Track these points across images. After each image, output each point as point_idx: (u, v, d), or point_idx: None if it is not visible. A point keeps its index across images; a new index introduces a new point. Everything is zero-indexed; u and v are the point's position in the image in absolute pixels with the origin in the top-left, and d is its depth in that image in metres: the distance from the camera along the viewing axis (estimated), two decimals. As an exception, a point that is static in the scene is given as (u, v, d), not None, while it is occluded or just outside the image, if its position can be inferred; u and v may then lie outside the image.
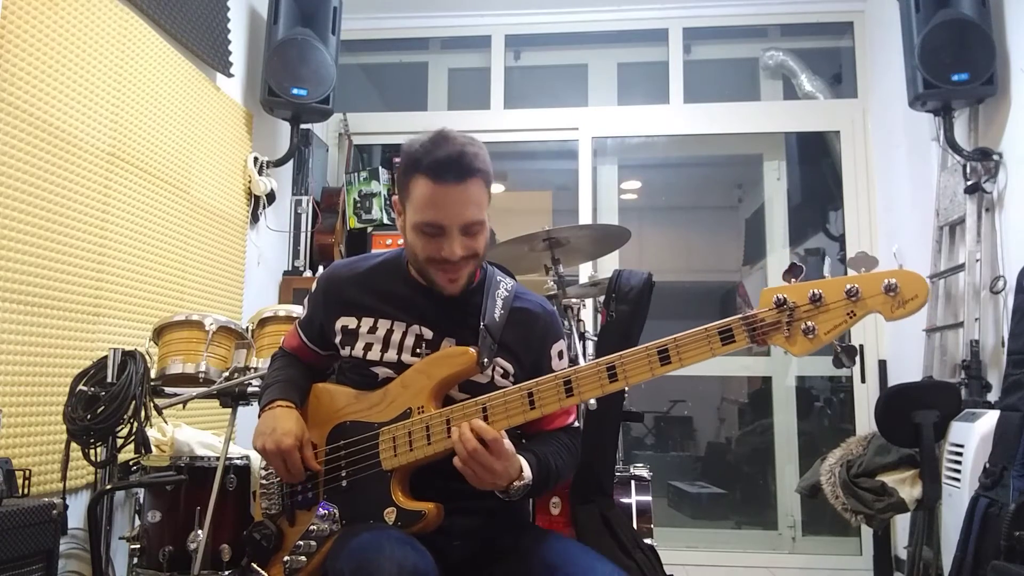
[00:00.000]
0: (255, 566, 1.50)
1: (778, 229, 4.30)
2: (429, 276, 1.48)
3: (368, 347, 1.52)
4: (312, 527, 1.46)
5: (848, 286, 1.18)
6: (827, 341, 1.20)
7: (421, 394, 1.45)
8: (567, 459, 1.53)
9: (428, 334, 1.51)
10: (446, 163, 1.38)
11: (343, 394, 1.56)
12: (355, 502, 1.45)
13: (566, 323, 2.38)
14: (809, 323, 1.20)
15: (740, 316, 1.24)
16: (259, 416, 1.57)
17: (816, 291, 1.19)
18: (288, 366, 1.67)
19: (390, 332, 1.52)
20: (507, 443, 1.34)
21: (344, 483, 1.48)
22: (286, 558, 1.44)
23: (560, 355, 1.59)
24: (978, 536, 2.15)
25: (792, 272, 1.24)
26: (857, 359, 1.38)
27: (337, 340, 1.57)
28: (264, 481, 1.57)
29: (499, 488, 1.36)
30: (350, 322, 1.55)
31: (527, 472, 1.38)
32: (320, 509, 1.46)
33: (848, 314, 1.19)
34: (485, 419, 1.37)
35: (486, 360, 1.45)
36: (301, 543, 1.45)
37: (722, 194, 5.14)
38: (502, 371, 1.51)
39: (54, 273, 2.31)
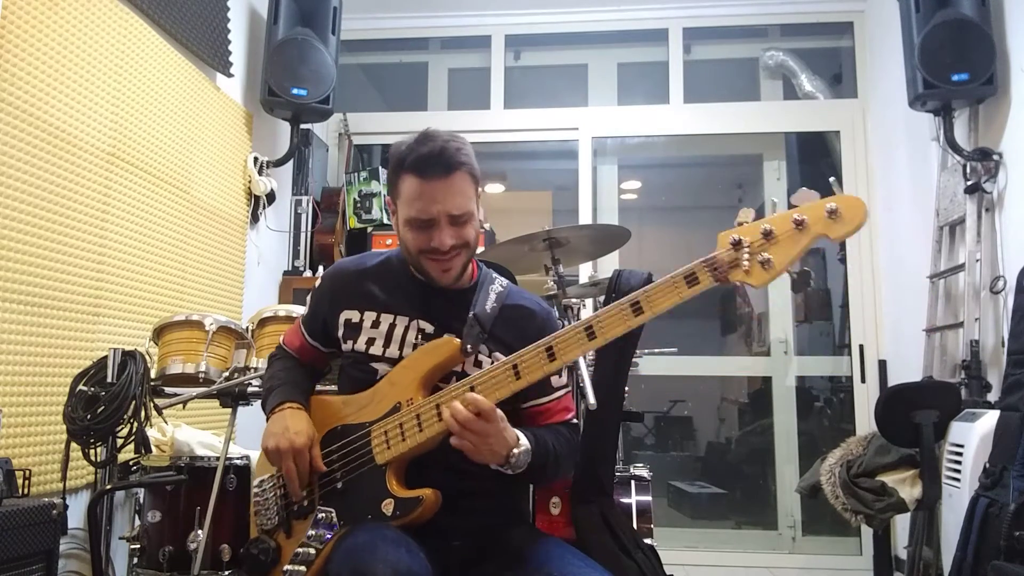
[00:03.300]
0: None
1: (778, 229, 4.29)
2: (423, 269, 1.53)
3: (370, 342, 1.55)
4: (310, 533, 1.45)
5: (795, 216, 1.29)
6: (782, 270, 1.29)
7: (409, 387, 1.47)
8: (565, 446, 1.54)
9: (429, 328, 1.54)
10: (429, 158, 1.45)
11: (332, 402, 1.59)
12: (352, 501, 1.45)
13: (566, 323, 2.38)
14: (765, 255, 1.29)
15: (701, 260, 1.33)
16: (268, 419, 1.58)
17: (767, 226, 1.30)
18: (290, 368, 1.68)
19: (392, 327, 1.55)
20: (500, 412, 1.36)
21: (339, 485, 1.48)
22: (286, 567, 1.43)
23: None
24: (978, 536, 2.15)
25: (742, 218, 1.36)
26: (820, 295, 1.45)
27: (340, 334, 1.58)
28: (259, 497, 1.57)
29: (500, 459, 1.37)
30: (354, 315, 1.57)
31: (524, 440, 1.40)
32: (317, 514, 1.46)
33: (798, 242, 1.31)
34: None
35: (470, 347, 1.48)
36: (300, 551, 1.44)
37: (722, 194, 5.14)
38: None
39: (54, 273, 2.31)
